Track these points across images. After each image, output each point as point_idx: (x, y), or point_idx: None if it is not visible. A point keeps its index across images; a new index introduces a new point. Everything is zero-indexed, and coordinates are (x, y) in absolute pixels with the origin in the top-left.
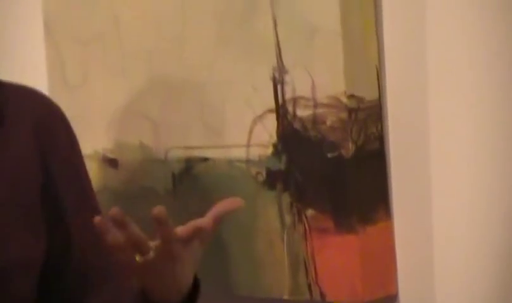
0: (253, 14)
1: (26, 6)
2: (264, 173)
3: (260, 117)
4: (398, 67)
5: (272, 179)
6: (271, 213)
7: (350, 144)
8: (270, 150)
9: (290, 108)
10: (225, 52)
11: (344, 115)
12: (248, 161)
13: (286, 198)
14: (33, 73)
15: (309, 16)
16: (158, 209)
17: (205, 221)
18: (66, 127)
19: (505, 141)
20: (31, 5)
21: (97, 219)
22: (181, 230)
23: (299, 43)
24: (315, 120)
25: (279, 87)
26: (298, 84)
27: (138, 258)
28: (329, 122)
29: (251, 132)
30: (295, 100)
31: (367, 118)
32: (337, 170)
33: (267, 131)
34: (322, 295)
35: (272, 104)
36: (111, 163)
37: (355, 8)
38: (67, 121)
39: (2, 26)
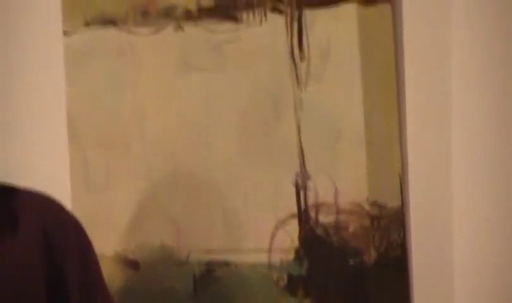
0: (277, 118)
1: (50, 108)
2: (286, 278)
3: (282, 222)
4: (421, 175)
5: (294, 285)
6: None
7: (372, 251)
8: (292, 255)
9: (312, 214)
10: (249, 156)
11: (366, 221)
12: (269, 266)
13: None
14: (56, 175)
15: (333, 122)
16: None
17: None
18: (77, 235)
19: None
20: (55, 107)
21: None
22: None
23: (323, 149)
24: (338, 226)
25: (301, 193)
26: (320, 190)
27: None
28: (351, 229)
29: (273, 236)
30: (318, 206)
31: (389, 225)
32: (358, 276)
33: (289, 236)
34: None
35: (295, 209)
36: (132, 264)
37: (379, 116)
38: (79, 228)
39: (27, 126)
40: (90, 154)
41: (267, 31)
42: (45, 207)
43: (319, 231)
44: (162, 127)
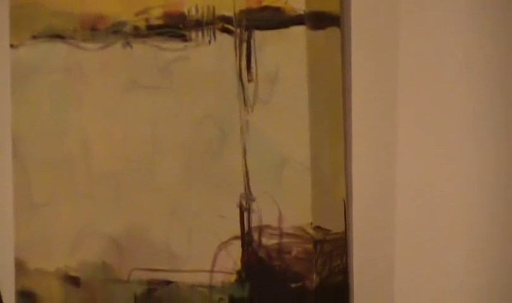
0: (223, 140)
1: None
2: (227, 300)
3: (225, 244)
4: (365, 201)
5: None
6: None
7: (314, 276)
8: (234, 277)
9: (256, 236)
10: (194, 177)
11: (309, 246)
12: (211, 287)
13: None
14: None
15: (279, 146)
16: None
17: None
18: None
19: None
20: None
21: None
22: None
23: (268, 172)
24: (281, 250)
25: (245, 214)
26: (264, 213)
27: None
28: (294, 252)
29: (215, 258)
30: (261, 229)
31: (332, 250)
32: (300, 301)
33: (232, 258)
34: None
35: (238, 231)
36: (73, 281)
37: (325, 141)
38: None
39: None
40: (33, 170)
41: (215, 51)
42: None
43: (262, 254)
44: (106, 146)
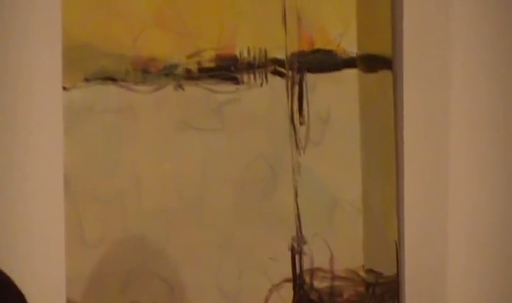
0: (275, 181)
1: (47, 162)
2: None
3: (276, 286)
4: (417, 244)
5: None
6: None
7: None
8: None
9: (307, 279)
10: (245, 218)
11: (361, 289)
12: None
13: None
14: (51, 229)
15: (331, 187)
16: None
17: None
18: None
19: None
20: (52, 161)
21: None
22: None
23: (320, 214)
24: (332, 293)
25: (297, 257)
26: (316, 256)
27: None
28: (345, 295)
29: (266, 300)
30: (313, 271)
31: (384, 293)
32: None
33: (283, 301)
34: None
35: (290, 274)
36: None
37: (377, 182)
38: None
39: (24, 180)
40: (85, 209)
41: (267, 93)
42: None
43: (313, 296)
44: (158, 186)
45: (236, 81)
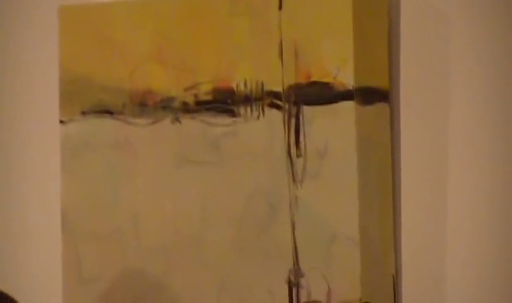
0: (272, 215)
1: (44, 197)
2: None
3: None
4: (415, 277)
5: None
6: None
7: None
8: None
9: None
10: (243, 254)
11: None
12: None
13: None
14: (48, 265)
15: (328, 221)
16: None
17: None
18: None
19: None
20: (49, 196)
21: None
22: None
23: (317, 247)
24: None
25: (294, 290)
26: (313, 289)
27: None
28: None
29: None
30: None
31: None
32: None
33: None
34: None
35: None
36: None
37: (374, 216)
38: None
39: (20, 216)
40: (82, 245)
41: (264, 126)
42: None
43: None
44: (156, 222)
45: (232, 114)
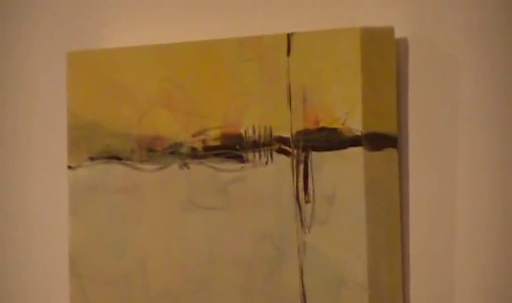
0: (280, 260)
1: (52, 243)
2: None
3: None
4: None
5: None
6: None
7: None
8: None
9: None
10: (251, 298)
11: None
12: None
13: None
14: None
15: (337, 267)
16: None
17: None
18: None
19: None
20: (57, 241)
21: None
22: None
23: (326, 293)
24: None
25: None
26: None
27: None
28: None
29: None
30: None
31: None
32: None
33: None
34: None
35: None
36: None
37: (383, 262)
38: None
39: (27, 263)
40: (90, 289)
41: (272, 172)
42: None
43: None
44: (164, 267)
45: (241, 159)
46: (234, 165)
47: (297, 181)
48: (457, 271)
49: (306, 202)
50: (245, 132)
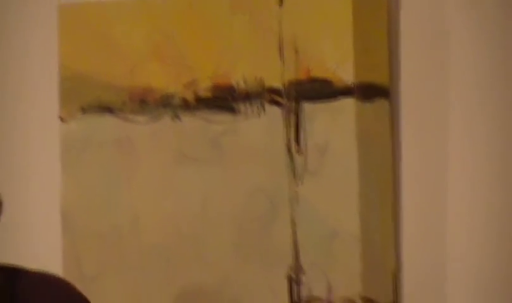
0: (273, 212)
1: (44, 196)
2: None
3: None
4: (415, 272)
5: None
6: None
7: None
8: None
9: None
10: (244, 252)
11: None
12: None
13: None
14: (48, 264)
15: (329, 217)
16: None
17: None
18: None
19: None
20: (49, 195)
21: None
22: None
23: (317, 244)
24: None
25: (294, 286)
26: (314, 285)
27: None
28: None
29: None
30: (310, 300)
31: None
32: None
33: None
34: None
35: None
36: None
37: (375, 213)
38: None
39: (20, 215)
40: (82, 243)
41: (264, 123)
42: (54, 290)
43: None
44: (156, 221)
45: (233, 111)
46: (226, 117)
47: (289, 132)
48: (449, 221)
49: (298, 153)
50: (237, 84)
